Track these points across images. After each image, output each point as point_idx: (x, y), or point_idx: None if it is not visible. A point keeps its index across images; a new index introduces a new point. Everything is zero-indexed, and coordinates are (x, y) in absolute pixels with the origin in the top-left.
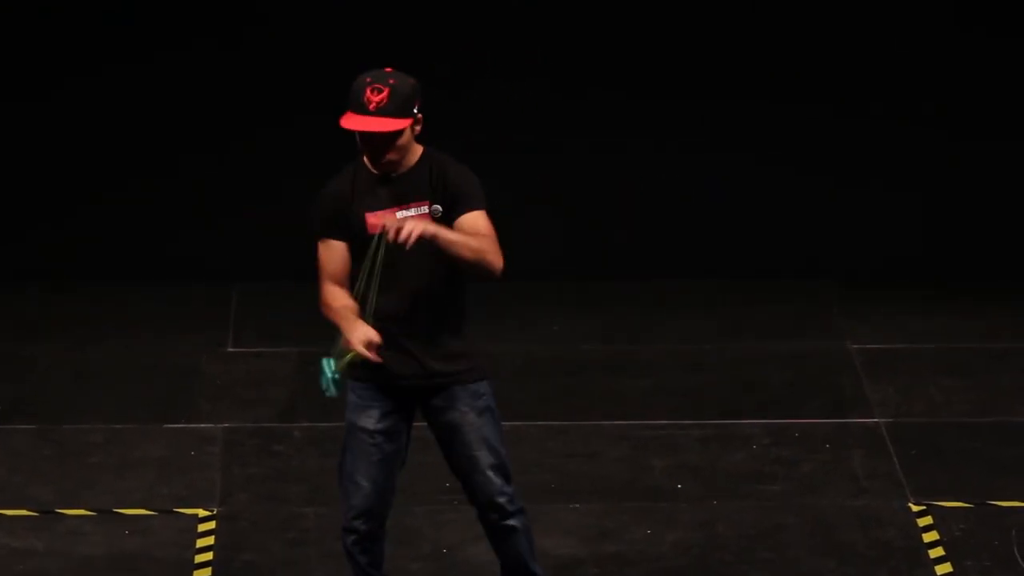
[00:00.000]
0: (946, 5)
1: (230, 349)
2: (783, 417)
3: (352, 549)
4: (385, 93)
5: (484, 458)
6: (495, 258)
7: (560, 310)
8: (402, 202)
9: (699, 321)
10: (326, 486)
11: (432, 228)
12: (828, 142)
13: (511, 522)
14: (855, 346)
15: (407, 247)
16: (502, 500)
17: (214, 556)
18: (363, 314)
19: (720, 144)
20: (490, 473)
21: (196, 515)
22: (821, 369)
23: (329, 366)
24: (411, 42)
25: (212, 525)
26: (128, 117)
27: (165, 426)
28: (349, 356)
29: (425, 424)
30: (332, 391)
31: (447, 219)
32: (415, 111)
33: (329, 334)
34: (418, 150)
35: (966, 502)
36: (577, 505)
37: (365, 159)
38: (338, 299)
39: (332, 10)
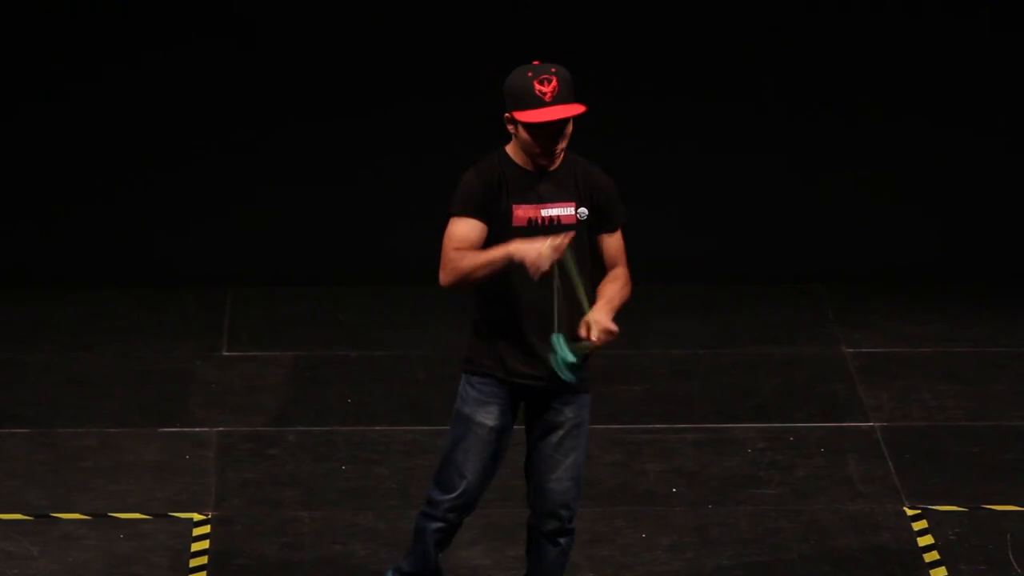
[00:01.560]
0: (943, 4)
1: (224, 353)
2: (778, 421)
3: (432, 536)
4: (555, 82)
5: (569, 467)
6: (629, 289)
7: None
8: (551, 200)
9: (693, 325)
10: (320, 490)
11: (612, 327)
12: (823, 146)
13: (562, 540)
14: (850, 350)
15: (596, 341)
16: (566, 514)
17: (208, 560)
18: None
19: (714, 148)
20: (568, 484)
21: (191, 519)
22: (816, 373)
23: (562, 347)
24: (409, 42)
25: (207, 529)
26: (121, 121)
27: (160, 430)
28: (585, 345)
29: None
30: (569, 376)
31: (591, 224)
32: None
33: (320, 339)
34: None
35: (961, 506)
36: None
37: (508, 151)
38: (468, 253)
39: (329, 14)
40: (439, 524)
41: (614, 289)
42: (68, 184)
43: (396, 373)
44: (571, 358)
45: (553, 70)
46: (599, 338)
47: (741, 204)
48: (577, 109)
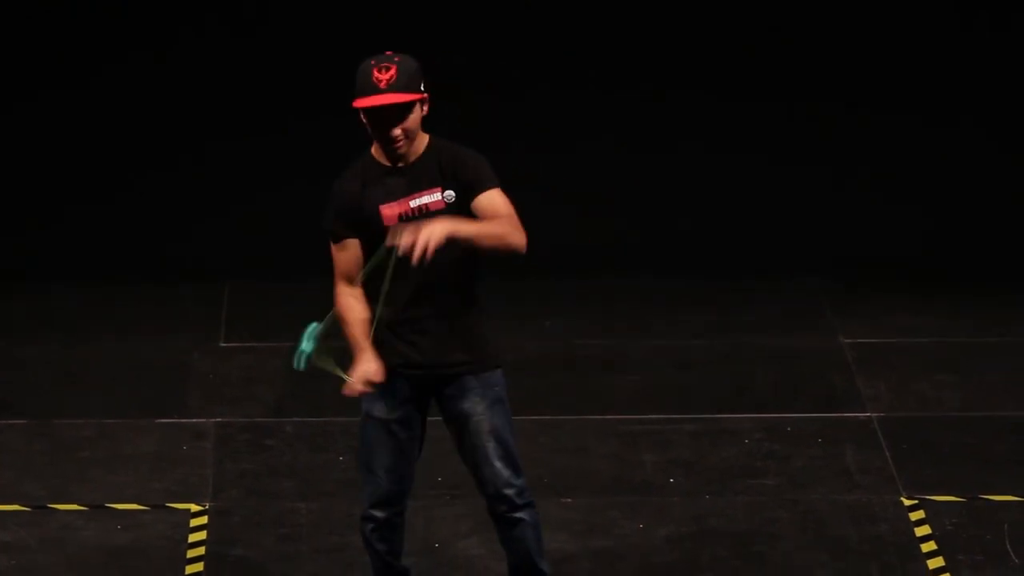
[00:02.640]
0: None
1: (222, 344)
2: (775, 412)
3: (370, 537)
4: (393, 70)
5: (493, 449)
6: (518, 237)
7: (551, 307)
8: (414, 190)
9: (690, 317)
10: (318, 481)
11: (450, 228)
12: (819, 139)
13: (519, 515)
14: (847, 341)
15: (426, 260)
16: (510, 492)
17: (206, 551)
18: (374, 315)
19: (711, 142)
20: (498, 464)
21: (188, 510)
22: (813, 364)
23: (310, 339)
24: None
25: (204, 520)
26: (118, 117)
27: (157, 421)
28: (332, 368)
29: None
30: (300, 364)
31: (462, 204)
32: (422, 88)
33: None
34: (424, 138)
35: (958, 496)
36: (568, 500)
37: (372, 152)
38: (353, 311)
39: (328, 12)
40: (371, 525)
41: (479, 223)
42: (66, 179)
43: None
44: (309, 354)
45: (396, 59)
46: (398, 242)
47: (739, 197)
48: (406, 98)
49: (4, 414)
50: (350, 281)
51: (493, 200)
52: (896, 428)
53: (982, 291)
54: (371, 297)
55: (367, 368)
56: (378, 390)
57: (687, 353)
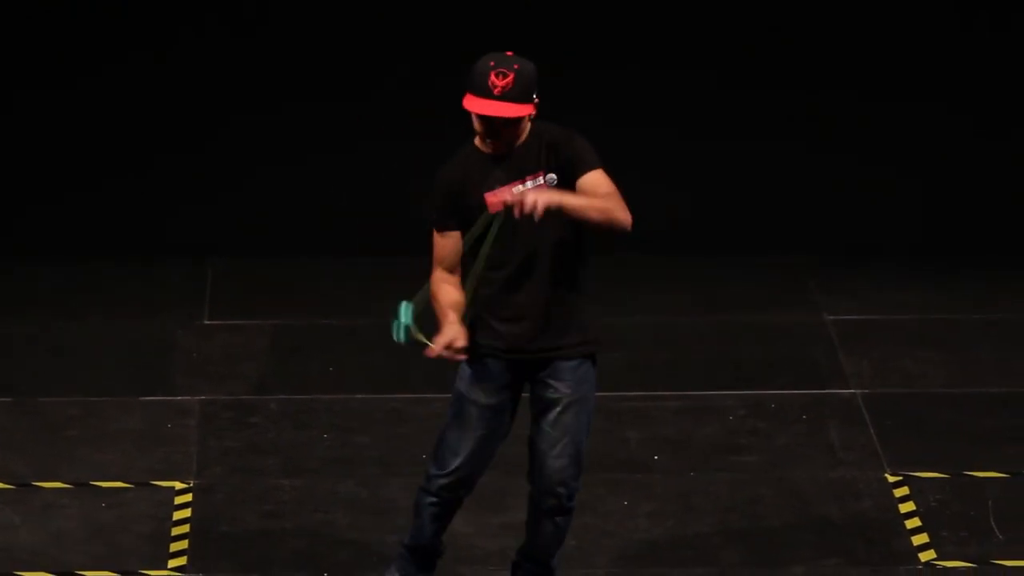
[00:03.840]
0: None
1: (206, 322)
2: (759, 389)
3: (427, 511)
4: (510, 78)
5: (566, 445)
6: (623, 214)
7: None
8: (517, 177)
9: (674, 294)
10: (302, 458)
11: (556, 197)
12: (803, 116)
13: (559, 519)
14: (831, 318)
15: (536, 220)
16: (564, 491)
17: (190, 528)
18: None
19: (696, 120)
20: (566, 460)
21: (172, 487)
22: (797, 341)
23: (406, 313)
24: (401, 29)
25: (188, 497)
26: (104, 99)
27: (141, 399)
28: (422, 336)
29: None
30: (400, 336)
31: (565, 186)
32: (534, 96)
33: (302, 308)
34: (527, 125)
35: (942, 473)
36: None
37: (476, 142)
38: (446, 294)
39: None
40: (433, 499)
41: (588, 199)
42: (51, 159)
43: (377, 342)
44: (407, 326)
45: (516, 66)
46: (514, 204)
47: (723, 174)
48: (517, 111)
49: None
50: (449, 270)
51: (596, 181)
52: (880, 405)
53: (966, 268)
54: (467, 278)
55: (451, 333)
56: (479, 371)
57: (671, 330)
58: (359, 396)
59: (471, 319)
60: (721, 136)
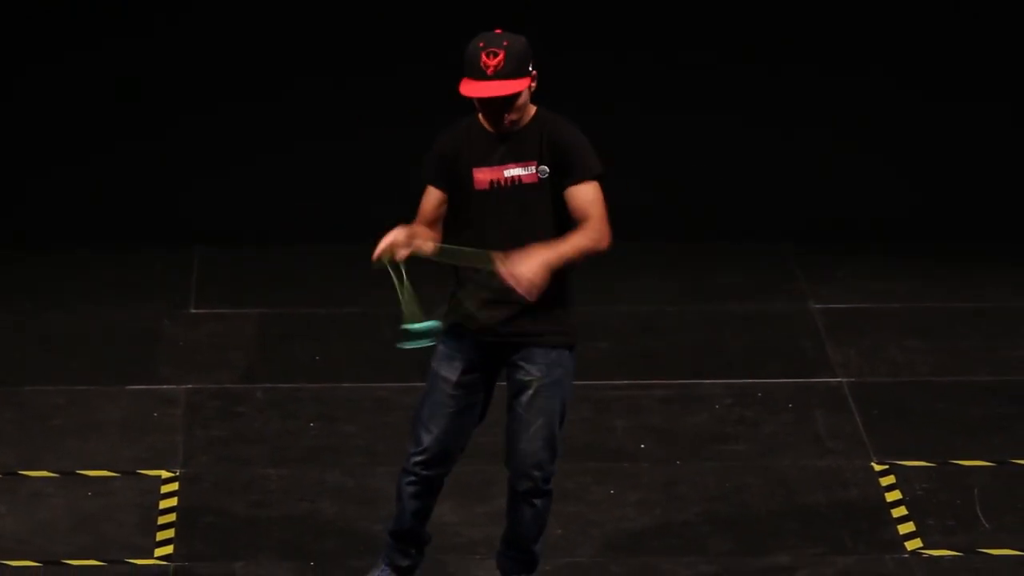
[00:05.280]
0: None
1: (192, 311)
2: (745, 377)
3: (406, 491)
4: (501, 56)
5: (539, 428)
6: (601, 243)
7: None
8: (511, 160)
9: (661, 283)
10: (288, 447)
11: (546, 262)
12: (790, 103)
13: (537, 500)
14: (817, 306)
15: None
16: (538, 474)
17: (177, 518)
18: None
19: (680, 106)
20: (539, 443)
21: (159, 477)
22: (783, 330)
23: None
24: (396, 15)
25: (175, 487)
26: (86, 84)
27: (127, 388)
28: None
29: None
30: (409, 341)
31: (555, 183)
32: (530, 69)
33: (288, 297)
34: (531, 109)
35: (929, 462)
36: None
37: (479, 117)
38: (426, 220)
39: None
40: (410, 478)
41: (568, 239)
42: (35, 145)
43: (363, 331)
44: (411, 327)
45: (505, 43)
46: (505, 273)
47: (709, 161)
48: (513, 88)
49: None
50: (428, 225)
51: (587, 196)
52: (867, 393)
53: (953, 257)
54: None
55: (401, 232)
56: (452, 349)
57: (658, 319)
58: (345, 385)
59: (449, 298)
60: (708, 121)
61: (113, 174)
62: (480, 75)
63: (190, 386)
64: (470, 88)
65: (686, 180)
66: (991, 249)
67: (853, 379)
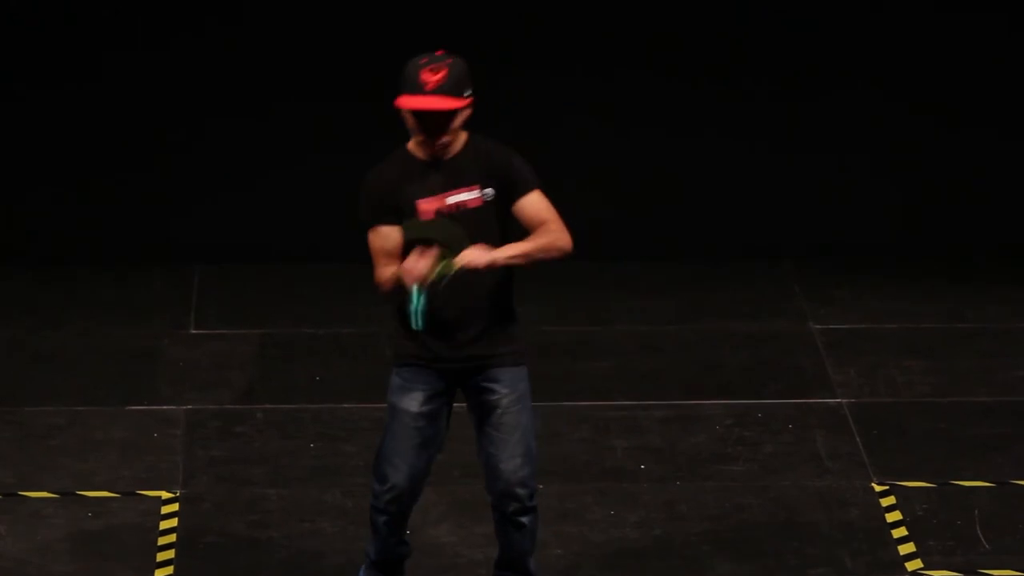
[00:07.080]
0: None
1: (192, 331)
2: (745, 398)
3: (381, 527)
4: (443, 73)
5: (516, 444)
6: (564, 242)
7: (521, 294)
8: (452, 187)
9: (660, 302)
10: (288, 468)
11: (499, 256)
12: (790, 122)
13: (524, 518)
14: (817, 327)
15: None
16: (523, 492)
17: (177, 538)
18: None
19: (679, 125)
20: (519, 460)
21: (159, 497)
22: (783, 350)
23: (419, 299)
24: (393, 33)
25: (175, 507)
26: (86, 105)
27: (127, 408)
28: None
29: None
30: (418, 324)
31: (501, 203)
32: (468, 93)
33: (288, 317)
34: (463, 135)
35: (929, 482)
36: (540, 485)
37: (410, 146)
38: (392, 263)
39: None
40: (384, 516)
41: (528, 239)
42: (34, 164)
43: (364, 351)
44: (421, 308)
45: (448, 62)
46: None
47: (708, 180)
48: (452, 104)
49: None
50: (393, 262)
51: (536, 204)
52: (866, 414)
53: (952, 277)
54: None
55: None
56: (409, 380)
57: (657, 339)
58: (346, 405)
59: (396, 327)
60: (707, 142)
61: (113, 193)
62: (419, 90)
63: (190, 406)
64: (407, 101)
65: (686, 200)
66: (990, 269)
67: (853, 399)
